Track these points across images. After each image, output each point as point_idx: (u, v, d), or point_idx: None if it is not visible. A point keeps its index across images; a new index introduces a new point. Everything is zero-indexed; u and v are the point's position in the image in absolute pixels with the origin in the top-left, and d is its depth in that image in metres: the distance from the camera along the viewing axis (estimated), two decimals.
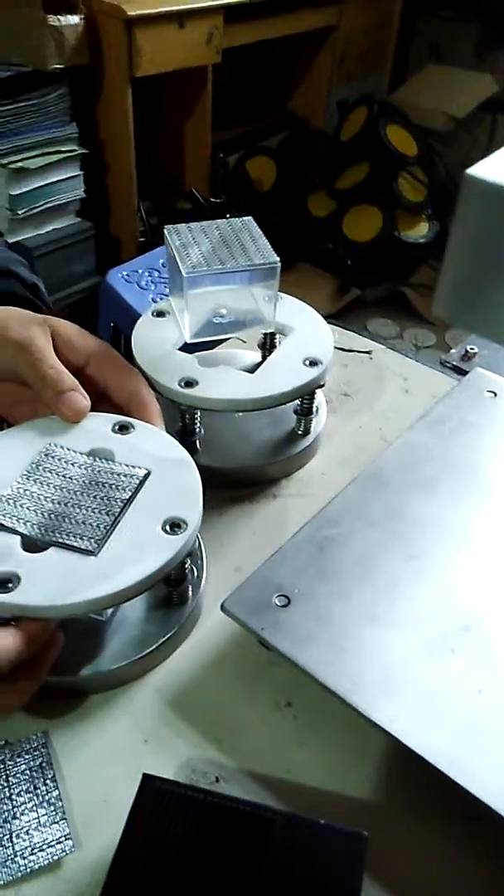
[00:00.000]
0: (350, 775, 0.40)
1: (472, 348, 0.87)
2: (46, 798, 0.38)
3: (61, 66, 1.82)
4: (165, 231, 0.54)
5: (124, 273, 1.65)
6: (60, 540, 0.40)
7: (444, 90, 2.51)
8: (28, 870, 0.36)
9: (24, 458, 0.44)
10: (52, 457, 0.44)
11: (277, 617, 0.43)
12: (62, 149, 1.93)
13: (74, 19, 1.80)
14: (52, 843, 0.37)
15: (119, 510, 0.41)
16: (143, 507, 0.42)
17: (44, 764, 0.40)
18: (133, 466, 0.44)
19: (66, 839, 0.37)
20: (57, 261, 2.01)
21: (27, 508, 0.41)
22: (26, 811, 0.38)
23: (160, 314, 0.57)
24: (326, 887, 0.33)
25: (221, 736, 0.41)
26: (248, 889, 0.33)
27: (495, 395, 0.60)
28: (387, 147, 2.35)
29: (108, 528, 0.40)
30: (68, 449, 0.45)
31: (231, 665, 0.45)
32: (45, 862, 0.36)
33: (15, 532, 0.40)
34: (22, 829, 0.37)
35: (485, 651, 0.42)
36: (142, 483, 0.43)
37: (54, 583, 0.38)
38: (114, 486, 0.43)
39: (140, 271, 1.63)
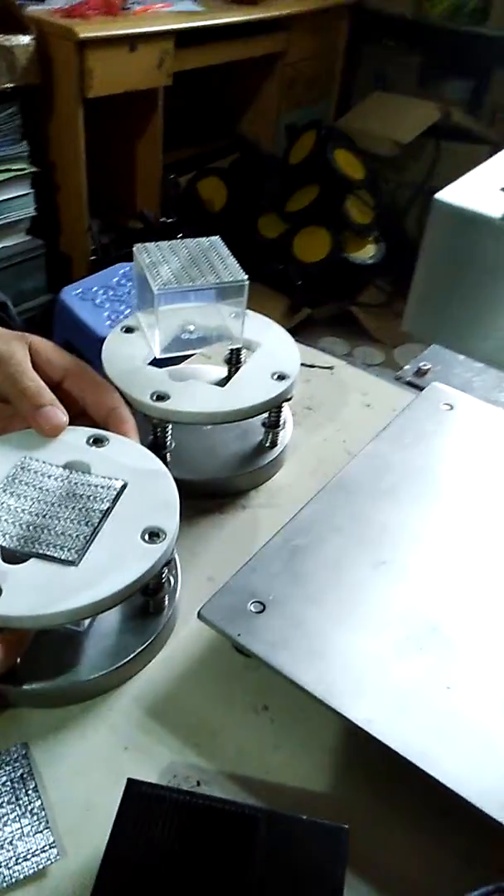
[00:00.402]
0: (327, 774, 0.41)
1: (425, 365, 0.91)
2: (29, 808, 0.38)
3: (12, 86, 1.82)
4: (135, 249, 0.56)
5: (79, 291, 1.65)
6: (41, 551, 0.40)
7: (389, 117, 2.59)
8: (13, 880, 0.36)
9: (0, 472, 0.45)
10: (28, 470, 0.45)
11: (253, 623, 0.44)
12: (12, 167, 1.92)
13: (25, 39, 1.80)
14: (37, 853, 0.37)
15: (98, 521, 0.42)
16: (122, 517, 0.43)
17: (24, 775, 0.40)
18: (110, 478, 0.45)
19: (50, 848, 0.37)
20: (7, 278, 2.00)
21: (5, 521, 0.42)
22: (9, 822, 0.38)
23: (129, 330, 0.58)
24: (311, 880, 0.34)
25: (201, 741, 0.42)
26: (236, 885, 0.34)
27: (451, 407, 0.63)
28: (335, 171, 2.41)
29: (87, 538, 0.41)
30: (44, 462, 0.46)
31: (208, 672, 0.46)
32: (31, 871, 0.36)
33: None
34: (5, 839, 0.37)
35: (450, 650, 0.44)
36: (119, 494, 0.44)
37: (35, 593, 0.38)
38: (91, 498, 0.44)
39: (94, 289, 1.64)
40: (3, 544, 0.40)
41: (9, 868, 0.36)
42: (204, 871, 0.34)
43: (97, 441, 0.47)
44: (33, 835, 0.37)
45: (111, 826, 0.35)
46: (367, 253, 2.52)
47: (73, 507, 0.43)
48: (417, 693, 0.42)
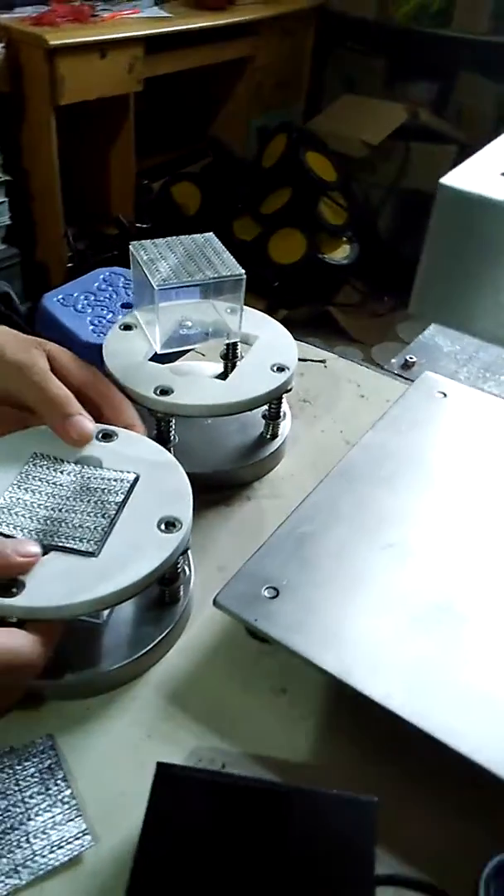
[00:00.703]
0: (349, 751, 0.42)
1: (411, 358, 0.93)
2: (59, 797, 0.39)
3: None
4: (132, 247, 0.56)
5: (60, 297, 1.65)
6: (60, 543, 0.41)
7: (358, 119, 2.62)
8: (49, 867, 0.36)
9: (11, 469, 0.45)
10: (40, 466, 0.45)
11: (268, 608, 0.45)
12: None
13: None
14: (70, 840, 0.37)
15: (114, 513, 0.43)
16: (137, 508, 0.43)
17: (52, 766, 0.40)
18: (122, 471, 0.46)
19: (83, 835, 0.37)
20: None
21: (22, 516, 0.42)
22: (40, 812, 0.38)
23: (127, 327, 0.59)
24: (343, 853, 0.35)
25: (223, 725, 0.43)
26: (270, 861, 0.34)
27: (445, 395, 0.65)
28: (307, 173, 2.43)
29: (105, 530, 0.42)
30: (55, 458, 0.46)
31: (224, 658, 0.46)
32: (66, 858, 0.37)
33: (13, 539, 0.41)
34: (38, 829, 0.37)
35: (462, 625, 0.45)
36: (132, 487, 0.45)
37: (58, 585, 0.39)
38: (106, 491, 0.44)
39: (75, 294, 1.63)
40: (23, 538, 0.41)
41: (44, 856, 0.37)
42: (238, 848, 0.35)
43: (106, 436, 0.48)
44: (66, 823, 0.38)
45: (144, 810, 0.35)
46: (342, 253, 2.54)
47: (89, 501, 0.43)
48: (433, 668, 0.43)
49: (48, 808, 0.38)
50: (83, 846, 0.37)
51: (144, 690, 0.44)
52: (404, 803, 0.40)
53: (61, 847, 0.37)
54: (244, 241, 2.50)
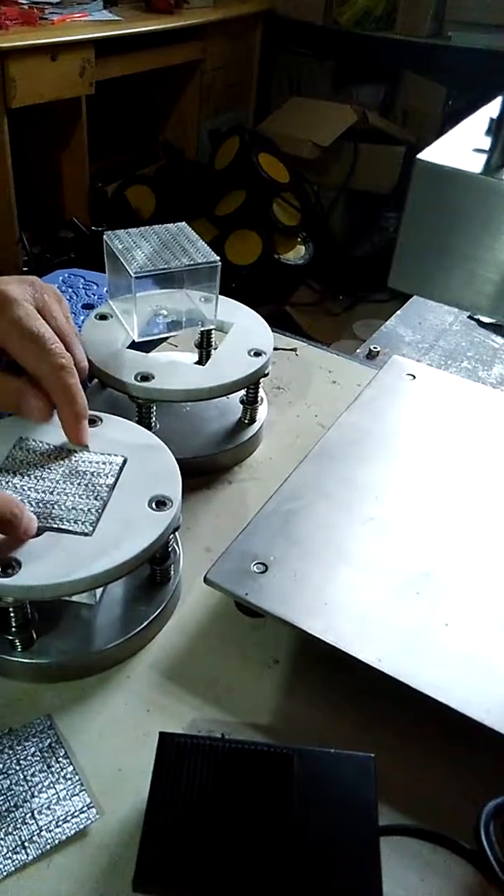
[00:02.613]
0: (343, 714, 0.43)
1: (375, 348, 0.95)
2: (62, 774, 0.39)
3: None
4: (106, 237, 0.57)
5: None
6: (55, 525, 0.41)
7: (308, 120, 2.66)
8: (56, 841, 0.36)
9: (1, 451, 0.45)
10: (28, 450, 0.46)
11: (258, 582, 0.46)
12: None
13: None
14: (76, 814, 0.38)
15: (106, 494, 0.43)
16: (127, 489, 0.44)
17: (53, 744, 0.40)
18: (109, 454, 0.46)
19: (88, 808, 0.38)
20: None
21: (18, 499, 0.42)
22: (43, 789, 0.38)
23: (103, 317, 0.59)
24: (346, 808, 0.36)
25: (219, 697, 0.44)
26: (277, 820, 0.35)
27: (414, 377, 0.67)
28: (260, 174, 2.46)
29: (98, 510, 0.42)
30: (41, 442, 0.46)
31: (216, 634, 0.47)
32: (72, 832, 0.37)
33: None
34: (42, 805, 0.38)
35: (444, 591, 0.47)
36: (121, 469, 0.45)
37: (55, 563, 0.39)
38: (96, 474, 0.45)
39: None
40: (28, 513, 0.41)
41: (50, 831, 0.37)
42: (244, 810, 0.36)
43: (91, 421, 0.48)
44: (70, 798, 0.38)
45: (148, 782, 0.36)
46: (298, 254, 2.58)
47: (79, 484, 0.44)
48: (419, 631, 0.44)
49: (51, 785, 0.39)
50: (89, 819, 0.37)
51: (140, 668, 0.45)
52: (399, 760, 0.41)
53: (67, 821, 0.37)
54: None
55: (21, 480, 0.44)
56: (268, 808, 0.36)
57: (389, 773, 0.40)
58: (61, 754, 0.40)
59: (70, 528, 0.41)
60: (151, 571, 0.47)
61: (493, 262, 0.37)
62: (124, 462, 0.46)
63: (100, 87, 2.10)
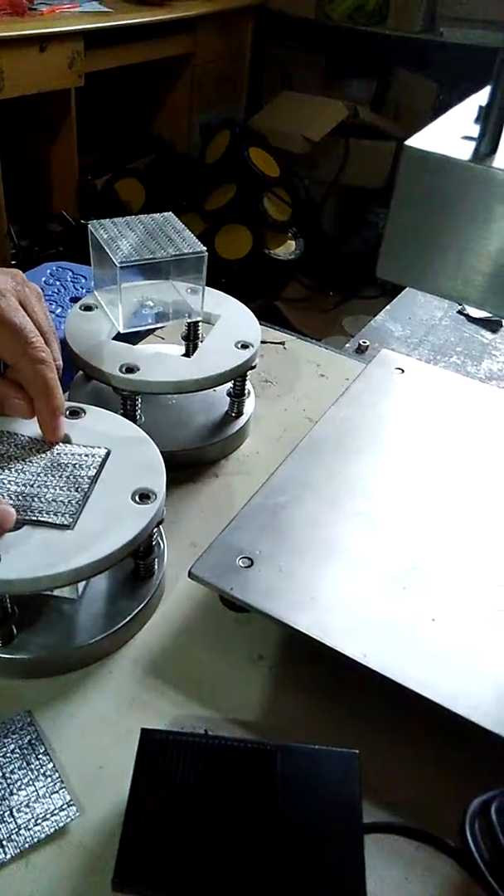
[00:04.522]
0: (327, 710, 0.43)
1: (364, 342, 0.94)
2: (42, 771, 0.38)
3: None
4: (90, 226, 0.56)
5: None
6: (34, 518, 0.40)
7: (299, 115, 2.64)
8: (35, 840, 0.36)
9: None
10: (7, 443, 0.45)
11: (244, 576, 0.45)
12: None
13: None
14: (55, 812, 0.37)
15: (87, 486, 0.42)
16: (110, 482, 0.43)
17: (32, 741, 0.40)
18: (92, 447, 0.45)
19: (68, 806, 0.37)
20: None
21: None
22: (23, 786, 0.38)
23: (88, 308, 0.59)
24: (331, 804, 0.36)
25: (203, 693, 0.43)
26: (260, 817, 0.35)
27: (402, 371, 0.66)
28: (251, 169, 2.44)
29: (79, 503, 0.41)
30: (21, 435, 0.46)
31: (201, 630, 0.47)
32: (51, 830, 0.36)
33: None
34: (21, 803, 0.37)
35: (431, 586, 0.47)
36: (104, 461, 0.44)
37: (35, 557, 0.38)
38: (77, 466, 0.44)
39: None
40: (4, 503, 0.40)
41: (29, 829, 0.36)
42: (227, 808, 0.35)
43: (73, 413, 0.48)
44: (49, 795, 0.37)
45: (130, 777, 0.35)
46: (288, 249, 2.57)
47: (60, 476, 0.43)
48: (405, 626, 0.44)
49: (30, 783, 0.38)
50: (69, 817, 0.37)
51: (122, 664, 0.44)
52: (383, 756, 0.41)
53: (46, 819, 0.37)
54: None
55: (1, 474, 0.43)
56: (250, 805, 0.35)
57: (374, 769, 0.39)
58: (41, 751, 0.39)
59: (50, 521, 0.40)
60: (135, 566, 0.46)
61: (481, 252, 0.36)
62: (107, 454, 0.45)
63: (90, 79, 2.08)
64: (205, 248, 0.54)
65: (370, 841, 0.36)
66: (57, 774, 0.38)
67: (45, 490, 0.42)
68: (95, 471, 0.44)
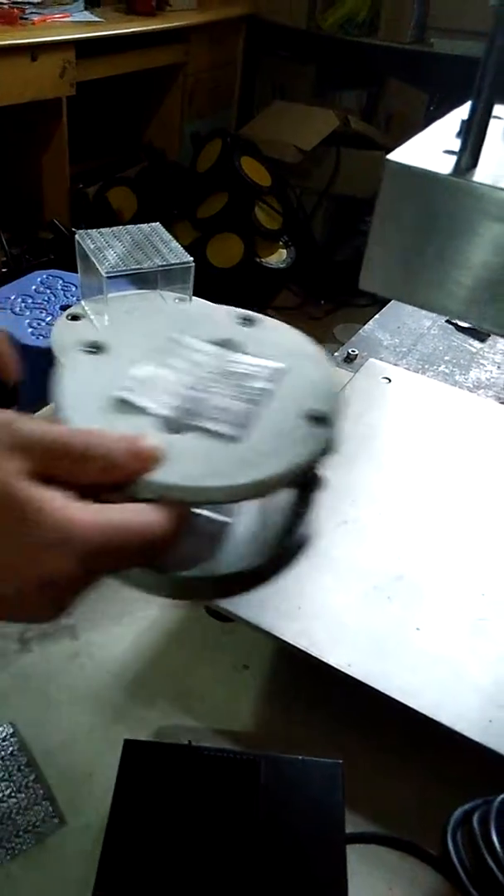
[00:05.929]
0: (312, 720, 0.43)
1: (353, 351, 0.95)
2: (23, 783, 0.38)
3: None
4: (78, 236, 0.56)
5: None
6: (202, 425, 0.37)
7: (290, 125, 2.66)
8: (17, 851, 0.36)
9: (148, 344, 0.41)
10: (181, 345, 0.42)
11: None
12: None
13: None
14: (37, 824, 0.37)
15: (258, 399, 0.38)
16: (283, 399, 0.38)
17: (15, 752, 0.39)
18: (266, 359, 0.42)
19: (50, 818, 0.37)
20: None
21: (162, 391, 0.39)
22: (5, 798, 0.37)
23: (75, 318, 0.59)
24: (314, 814, 0.36)
25: (187, 703, 0.43)
26: (244, 828, 0.35)
27: (389, 380, 0.66)
28: (242, 178, 2.45)
29: (249, 416, 0.38)
30: (196, 338, 0.42)
31: (186, 640, 0.47)
32: (33, 842, 0.36)
33: (149, 414, 0.35)
34: (3, 815, 0.37)
35: (416, 595, 0.47)
36: (277, 376, 0.41)
37: (198, 465, 0.34)
38: (249, 376, 0.40)
39: (12, 298, 1.60)
40: (165, 414, 0.37)
41: (10, 842, 0.36)
42: (210, 818, 0.35)
43: (247, 320, 0.44)
44: (32, 807, 0.37)
45: (112, 789, 0.35)
46: (279, 257, 2.58)
47: (232, 384, 0.40)
48: (390, 636, 0.44)
49: (13, 794, 0.38)
50: (51, 829, 0.37)
51: (106, 677, 0.44)
52: (367, 766, 0.41)
53: (28, 831, 0.36)
54: (182, 245, 2.51)
55: (171, 374, 0.38)
56: (234, 815, 0.35)
57: (358, 779, 0.39)
58: (23, 763, 0.39)
59: (218, 429, 0.36)
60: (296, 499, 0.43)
61: (463, 265, 0.36)
62: (280, 369, 0.40)
63: (82, 88, 2.09)
64: (192, 259, 0.55)
65: (353, 851, 0.36)
66: (39, 786, 0.38)
67: (215, 397, 0.38)
68: (267, 385, 0.40)
